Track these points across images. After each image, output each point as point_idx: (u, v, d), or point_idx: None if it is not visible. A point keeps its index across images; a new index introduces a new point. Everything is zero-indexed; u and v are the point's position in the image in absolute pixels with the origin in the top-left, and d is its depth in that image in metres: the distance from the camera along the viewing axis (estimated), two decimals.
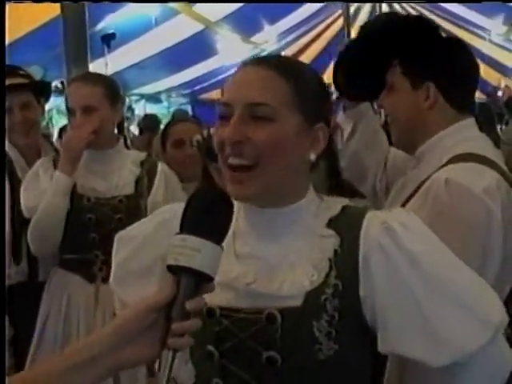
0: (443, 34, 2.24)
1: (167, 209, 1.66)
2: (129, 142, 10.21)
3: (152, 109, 15.33)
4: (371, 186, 2.64)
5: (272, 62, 1.48)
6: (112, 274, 1.70)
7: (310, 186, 1.56)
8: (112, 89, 3.10)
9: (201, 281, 1.28)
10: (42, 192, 3.01)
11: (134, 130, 12.02)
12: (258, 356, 1.44)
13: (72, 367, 1.23)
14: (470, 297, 1.40)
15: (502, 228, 1.90)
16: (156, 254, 1.57)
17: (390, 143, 2.46)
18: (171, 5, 11.73)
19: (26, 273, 3.27)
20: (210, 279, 1.29)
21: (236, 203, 1.51)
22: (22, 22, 9.88)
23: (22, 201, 3.07)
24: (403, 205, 2.04)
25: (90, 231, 3.04)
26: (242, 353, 1.46)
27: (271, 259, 1.48)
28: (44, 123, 14.85)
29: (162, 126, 10.80)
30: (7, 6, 8.97)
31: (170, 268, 1.29)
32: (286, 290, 1.44)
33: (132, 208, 3.05)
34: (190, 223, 1.31)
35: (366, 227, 1.46)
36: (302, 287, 1.43)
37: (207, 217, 1.31)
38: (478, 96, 11.91)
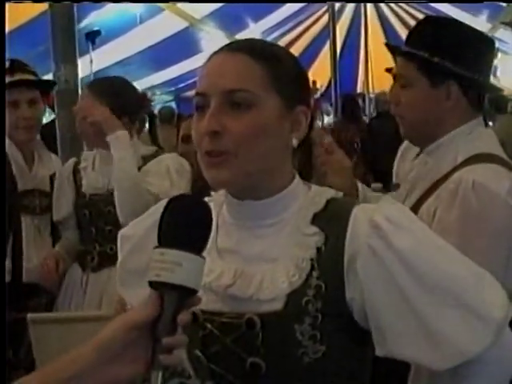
0: (461, 26, 2.17)
1: (162, 205, 1.60)
2: None
3: None
4: None
5: (245, 47, 1.41)
6: (117, 272, 1.66)
7: (296, 175, 1.47)
8: (122, 103, 3.04)
9: (185, 295, 1.21)
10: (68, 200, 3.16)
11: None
12: (242, 362, 1.38)
13: None
14: (468, 294, 1.31)
15: None
16: (150, 254, 1.54)
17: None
18: (155, 2, 11.71)
19: (10, 272, 3.21)
20: (194, 292, 1.22)
21: (218, 197, 1.47)
22: (9, 18, 9.84)
23: (54, 211, 3.20)
24: (418, 203, 2.01)
25: (88, 226, 3.14)
26: (227, 357, 1.40)
27: (252, 255, 1.41)
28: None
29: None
30: None
31: (152, 284, 1.22)
32: (266, 292, 1.36)
33: None
34: (167, 235, 1.23)
35: (353, 225, 1.37)
36: (282, 289, 1.35)
37: (184, 227, 1.23)
38: None
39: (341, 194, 1.49)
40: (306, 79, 1.52)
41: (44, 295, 3.25)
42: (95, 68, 10.55)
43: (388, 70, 2.40)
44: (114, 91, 3.06)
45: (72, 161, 3.28)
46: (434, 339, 1.30)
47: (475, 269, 1.36)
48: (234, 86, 1.36)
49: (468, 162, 1.98)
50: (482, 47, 2.13)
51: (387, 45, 2.34)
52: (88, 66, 10.19)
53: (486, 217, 1.87)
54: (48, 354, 2.64)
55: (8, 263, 3.21)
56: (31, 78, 3.29)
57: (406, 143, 2.87)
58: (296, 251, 1.39)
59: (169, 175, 2.99)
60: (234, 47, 1.42)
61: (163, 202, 1.59)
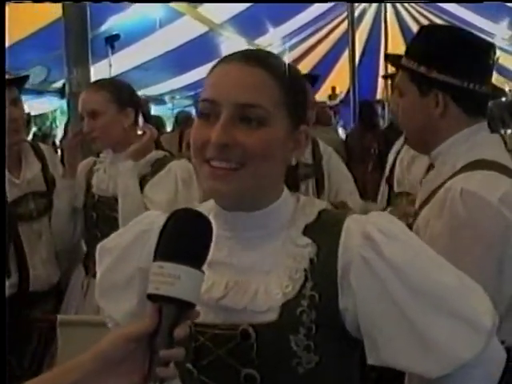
0: (450, 33, 2.17)
1: (144, 218, 1.58)
2: None
3: (156, 111, 15.33)
4: None
5: (262, 62, 1.38)
6: (96, 286, 1.62)
7: (284, 187, 1.47)
8: (119, 93, 3.11)
9: (183, 308, 1.22)
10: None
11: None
12: (237, 373, 1.38)
13: None
14: (458, 303, 1.32)
15: None
16: (134, 266, 1.51)
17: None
18: (175, 6, 11.73)
19: (17, 284, 3.15)
20: (193, 306, 1.23)
21: (205, 207, 1.45)
22: (26, 22, 9.89)
23: None
24: (417, 211, 2.01)
25: (94, 228, 3.17)
26: (220, 370, 1.40)
27: (244, 267, 1.41)
28: (48, 123, 14.91)
29: (166, 128, 10.86)
30: (12, 7, 8.97)
31: (151, 297, 1.22)
32: (260, 303, 1.36)
33: None
34: (166, 248, 1.23)
35: (345, 237, 1.37)
36: (276, 300, 1.35)
37: (184, 240, 1.23)
38: None
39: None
40: (309, 99, 1.53)
41: (50, 301, 3.23)
42: (114, 72, 10.58)
43: (384, 77, 2.43)
44: (114, 84, 3.19)
45: (90, 160, 3.33)
46: (427, 347, 1.30)
47: (464, 278, 1.37)
48: (249, 101, 1.34)
49: (464, 169, 1.97)
50: (475, 54, 2.10)
51: (387, 55, 2.37)
52: (107, 69, 10.24)
53: (474, 224, 1.85)
54: (73, 356, 2.67)
55: (14, 276, 3.13)
56: (9, 76, 3.22)
57: (403, 152, 2.87)
58: (289, 262, 1.38)
59: (176, 186, 3.00)
60: (250, 58, 1.39)
61: (148, 214, 1.60)
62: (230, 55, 1.42)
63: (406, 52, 2.19)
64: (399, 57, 2.24)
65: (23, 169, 3.26)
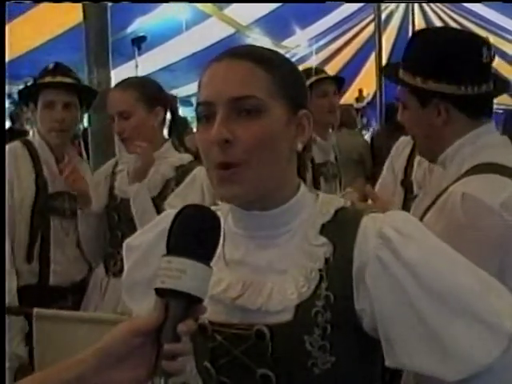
0: (439, 39, 2.11)
1: (166, 217, 1.57)
2: None
3: (183, 112, 15.37)
4: None
5: (246, 54, 1.40)
6: (122, 283, 1.66)
7: (302, 183, 1.47)
8: (148, 92, 3.11)
9: (190, 303, 1.22)
10: None
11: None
12: (252, 373, 1.38)
13: None
14: (478, 305, 1.29)
15: None
16: (155, 265, 1.49)
17: None
18: (202, 8, 11.75)
19: (37, 274, 3.27)
20: (200, 300, 1.23)
21: (224, 207, 1.45)
22: (52, 24, 9.98)
23: None
24: (422, 216, 1.97)
25: (116, 229, 3.18)
26: (236, 369, 1.39)
27: (260, 265, 1.41)
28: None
29: (191, 129, 10.89)
30: (38, 7, 9.04)
31: (158, 291, 1.23)
32: (275, 303, 1.36)
33: None
34: (174, 243, 1.25)
35: (362, 236, 1.36)
36: (291, 301, 1.35)
37: (192, 235, 1.24)
38: (508, 102, 11.80)
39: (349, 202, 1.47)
40: (304, 83, 1.51)
41: (70, 298, 3.27)
42: (141, 73, 10.63)
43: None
44: (142, 83, 3.17)
45: (113, 161, 3.34)
46: (446, 350, 1.28)
47: (485, 278, 1.34)
48: (241, 93, 1.34)
49: (468, 173, 1.94)
50: (467, 55, 2.04)
51: (381, 70, 2.35)
52: (133, 71, 10.29)
53: (474, 228, 1.81)
54: (48, 349, 2.72)
55: (35, 265, 3.27)
56: (70, 81, 3.34)
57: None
58: (305, 262, 1.38)
59: (202, 196, 2.98)
60: (235, 54, 1.40)
61: (168, 212, 1.59)
62: (216, 56, 1.42)
63: (403, 64, 2.16)
64: (396, 66, 2.21)
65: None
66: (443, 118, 2.05)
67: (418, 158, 3.29)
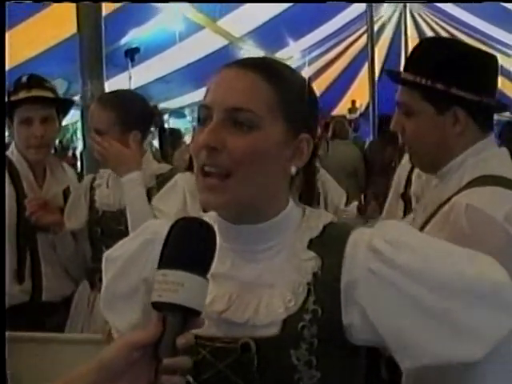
0: (466, 47, 2.10)
1: (147, 228, 1.56)
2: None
3: (176, 123, 15.39)
4: None
5: (257, 65, 1.37)
6: (101, 296, 1.60)
7: (290, 198, 1.44)
8: (125, 115, 2.99)
9: (187, 316, 1.21)
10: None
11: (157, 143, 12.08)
12: None
13: None
14: (481, 286, 1.28)
15: None
16: (138, 277, 1.49)
17: None
18: (195, 20, 11.78)
19: (30, 292, 3.19)
20: (197, 313, 1.22)
21: (208, 218, 1.42)
22: (47, 35, 9.98)
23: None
24: (422, 227, 1.95)
25: (99, 243, 3.06)
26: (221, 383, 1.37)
27: (247, 279, 1.38)
28: (68, 136, 15.00)
29: (184, 141, 10.89)
30: (34, 18, 9.02)
31: (155, 305, 1.22)
32: (262, 317, 1.34)
33: None
34: (170, 256, 1.23)
35: (350, 250, 1.34)
36: (278, 314, 1.33)
37: (187, 248, 1.23)
38: (505, 114, 11.83)
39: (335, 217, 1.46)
40: (316, 106, 1.48)
41: (63, 312, 3.22)
42: (134, 84, 10.65)
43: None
44: (122, 104, 3.02)
45: (89, 177, 3.26)
46: (460, 333, 1.27)
47: (482, 259, 1.35)
48: (238, 105, 1.32)
49: (470, 184, 1.92)
50: (485, 66, 2.04)
51: (388, 72, 2.28)
52: (127, 82, 10.30)
53: (478, 241, 1.77)
54: (20, 370, 2.66)
55: (27, 283, 3.17)
56: (48, 95, 3.22)
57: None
58: (292, 276, 1.36)
59: (184, 198, 2.93)
60: (245, 63, 1.38)
61: (150, 223, 1.58)
62: (229, 62, 1.41)
63: (409, 68, 2.07)
64: (397, 73, 2.16)
65: (47, 181, 3.28)
66: (460, 127, 1.99)
67: (416, 171, 3.27)
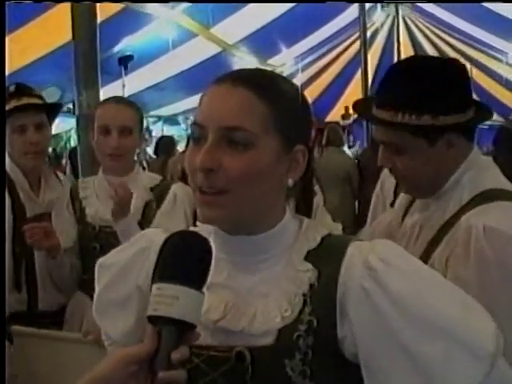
0: (435, 67, 1.99)
1: (142, 237, 1.56)
2: (145, 164, 10.24)
3: (170, 130, 15.40)
4: None
5: (248, 81, 1.35)
6: (93, 303, 1.59)
7: (287, 209, 1.44)
8: (142, 117, 3.08)
9: (183, 329, 1.21)
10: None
11: (151, 151, 12.09)
12: None
13: None
14: (459, 331, 1.26)
15: None
16: (132, 285, 1.49)
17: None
18: (188, 27, 11.80)
19: (26, 302, 3.19)
20: (193, 327, 1.22)
21: (204, 228, 1.43)
22: (40, 42, 9.97)
23: None
24: (427, 250, 1.92)
25: (97, 258, 3.00)
26: None
27: (244, 289, 1.39)
28: (62, 144, 14.97)
29: (178, 148, 10.90)
30: (27, 26, 8.99)
31: (150, 319, 1.21)
32: (257, 326, 1.34)
33: None
34: (165, 270, 1.23)
35: (347, 264, 1.34)
36: (274, 324, 1.33)
37: (182, 261, 1.23)
38: (495, 119, 11.88)
39: (339, 228, 1.48)
40: (309, 114, 1.47)
41: (59, 323, 3.21)
42: (127, 92, 10.66)
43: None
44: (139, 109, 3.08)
45: (67, 188, 3.22)
46: (427, 378, 1.26)
47: (468, 303, 1.32)
48: (233, 124, 1.31)
49: (475, 201, 1.89)
50: (461, 80, 2.00)
51: (363, 115, 2.20)
52: (120, 90, 10.31)
53: (504, 263, 1.76)
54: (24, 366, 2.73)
55: (24, 294, 3.17)
56: (38, 101, 3.25)
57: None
58: (289, 287, 1.36)
59: (185, 213, 2.96)
60: (237, 79, 1.36)
61: (145, 232, 1.59)
62: (220, 76, 1.39)
63: (384, 105, 1.97)
64: (365, 107, 2.08)
65: (42, 189, 3.28)
66: (455, 149, 1.95)
67: None
